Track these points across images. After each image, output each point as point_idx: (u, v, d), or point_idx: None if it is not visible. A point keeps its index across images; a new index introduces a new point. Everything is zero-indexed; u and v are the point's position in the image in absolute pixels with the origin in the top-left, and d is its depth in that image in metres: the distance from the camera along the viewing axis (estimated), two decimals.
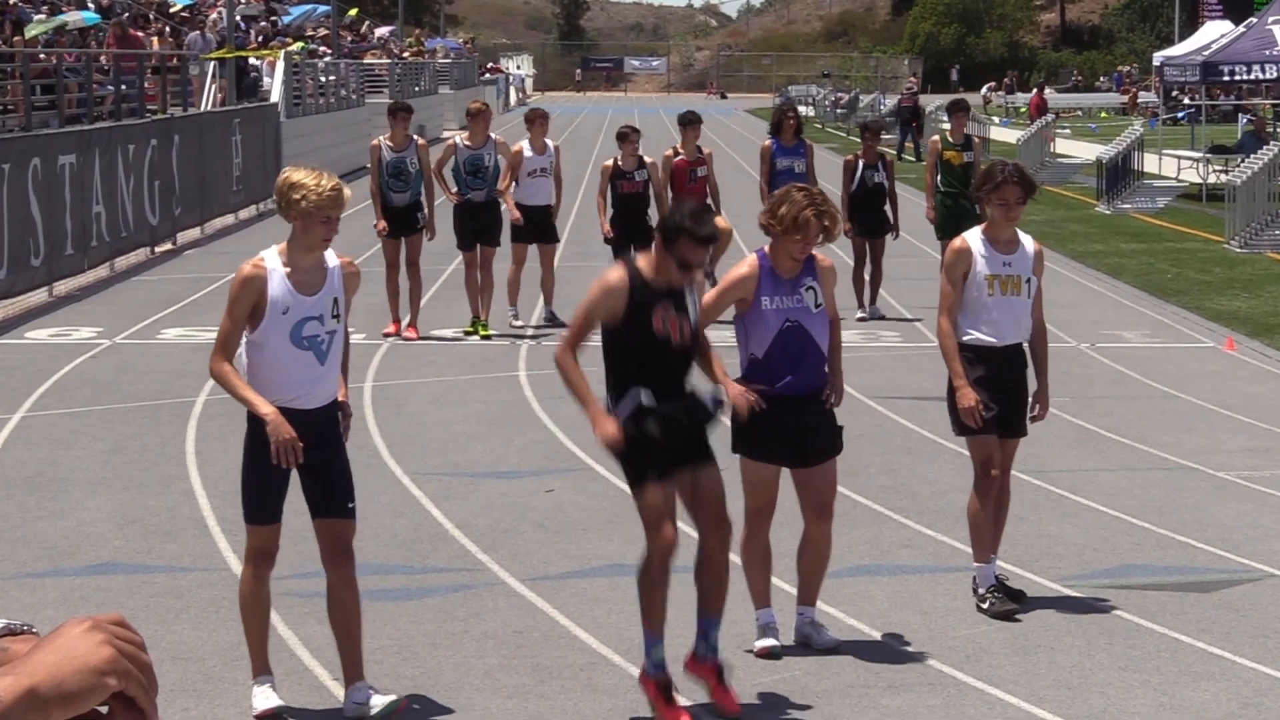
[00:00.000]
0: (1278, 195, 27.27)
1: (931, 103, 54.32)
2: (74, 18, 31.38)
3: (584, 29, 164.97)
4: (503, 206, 18.74)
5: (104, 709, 2.04)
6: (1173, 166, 39.26)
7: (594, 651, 8.80)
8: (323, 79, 41.97)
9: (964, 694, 8.25)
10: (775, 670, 8.58)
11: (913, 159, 46.70)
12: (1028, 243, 9.65)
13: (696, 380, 8.12)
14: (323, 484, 7.92)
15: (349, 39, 57.92)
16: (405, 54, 64.26)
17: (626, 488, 8.13)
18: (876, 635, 9.10)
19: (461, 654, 8.74)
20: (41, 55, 26.57)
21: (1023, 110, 70.24)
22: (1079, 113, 77.10)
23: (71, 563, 10.31)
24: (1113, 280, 23.57)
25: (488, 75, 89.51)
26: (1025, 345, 9.67)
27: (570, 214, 28.66)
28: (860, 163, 19.75)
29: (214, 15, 40.94)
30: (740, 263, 8.88)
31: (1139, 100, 76.16)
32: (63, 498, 11.84)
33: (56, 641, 2.01)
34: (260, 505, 7.90)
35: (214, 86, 34.89)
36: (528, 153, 18.79)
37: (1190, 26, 61.71)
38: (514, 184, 18.78)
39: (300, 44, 44.54)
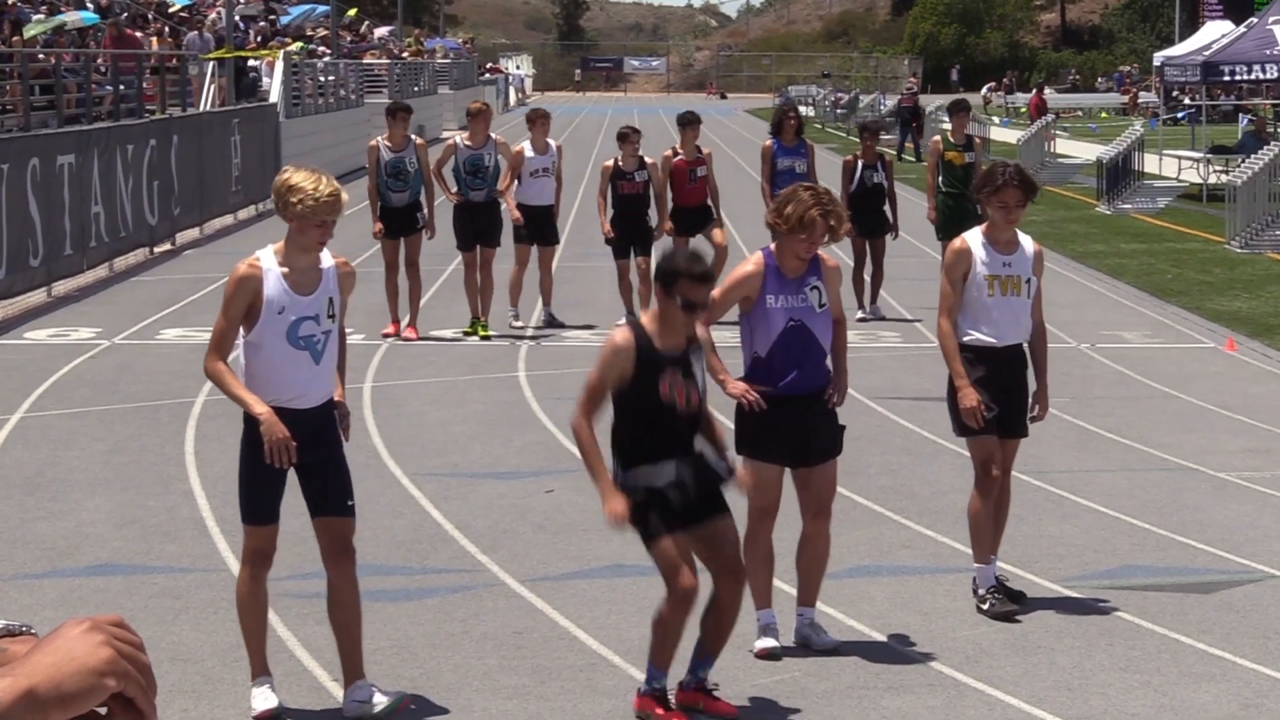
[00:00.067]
0: (1278, 195, 27.27)
1: (931, 103, 54.33)
2: (73, 18, 31.37)
3: (583, 29, 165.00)
4: (503, 206, 18.73)
5: (103, 710, 2.03)
6: (1173, 167, 39.26)
7: (593, 652, 8.79)
8: (322, 79, 41.97)
9: (964, 695, 8.24)
10: (775, 671, 8.57)
11: (913, 159, 46.70)
12: (1027, 243, 9.65)
13: (704, 445, 8.00)
14: (321, 483, 7.91)
15: (348, 39, 57.93)
16: (404, 54, 64.26)
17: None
18: (876, 636, 9.09)
19: (461, 655, 8.73)
20: (40, 55, 26.56)
21: (1023, 110, 70.24)
22: (1079, 113, 77.13)
23: (70, 563, 10.30)
24: (1113, 280, 23.57)
25: (487, 75, 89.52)
26: (1025, 346, 9.67)
27: (570, 214, 28.65)
28: (859, 163, 19.75)
29: (213, 15, 40.93)
30: (746, 260, 8.90)
31: (1139, 100, 76.17)
32: (62, 498, 11.83)
33: (55, 642, 2.01)
34: (257, 506, 7.89)
35: (213, 87, 34.88)
36: (529, 153, 18.79)
37: (1190, 26, 61.74)
38: (515, 184, 18.78)
39: (299, 44, 44.53)
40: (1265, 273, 24.33)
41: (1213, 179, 34.65)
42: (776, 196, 9.18)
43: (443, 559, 10.42)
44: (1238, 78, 35.46)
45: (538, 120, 19.12)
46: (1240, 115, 46.50)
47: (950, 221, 18.94)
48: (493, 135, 18.62)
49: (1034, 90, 68.90)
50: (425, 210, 18.33)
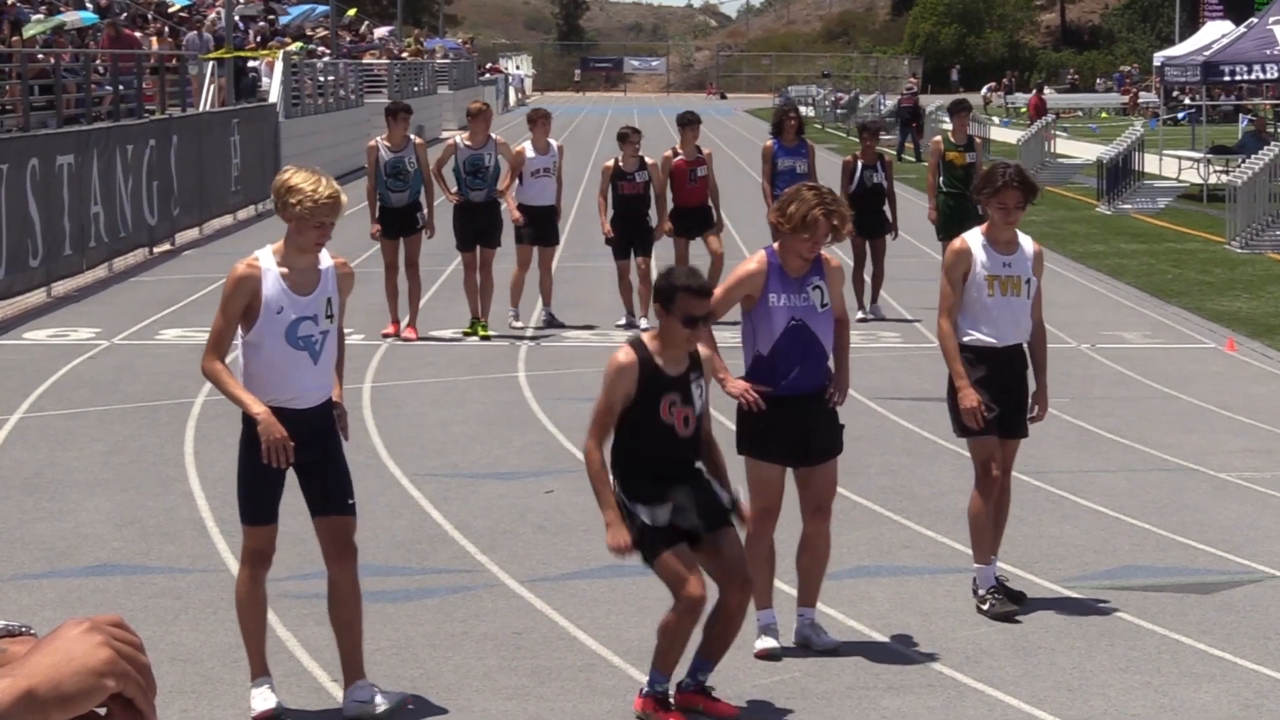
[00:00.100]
0: (1278, 196, 27.27)
1: (931, 103, 54.33)
2: (72, 18, 31.38)
3: (583, 29, 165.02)
4: (503, 207, 18.73)
5: (103, 710, 2.03)
6: (1173, 167, 39.26)
7: (593, 653, 8.78)
8: (321, 79, 41.96)
9: (964, 695, 8.23)
10: (775, 671, 8.57)
11: (912, 159, 46.70)
12: (1027, 243, 9.65)
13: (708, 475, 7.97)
14: (320, 483, 7.90)
15: (348, 39, 57.93)
16: (404, 54, 64.27)
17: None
18: (877, 637, 9.08)
19: (460, 655, 8.73)
20: (40, 55, 26.56)
21: (1023, 111, 70.25)
22: (1079, 113, 77.14)
23: (70, 564, 10.30)
24: (1113, 281, 23.57)
25: (487, 75, 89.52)
26: (1025, 346, 9.67)
27: (570, 215, 28.65)
28: (859, 163, 19.75)
29: (212, 15, 40.92)
30: (749, 259, 8.90)
31: (1139, 100, 76.19)
32: (61, 499, 11.82)
33: (55, 643, 2.00)
34: (256, 506, 7.88)
35: (212, 87, 34.87)
36: (530, 153, 18.79)
37: (1191, 26, 61.77)
38: (517, 184, 18.78)
39: (299, 44, 44.52)
40: (1265, 273, 24.33)
41: (1213, 179, 34.64)
42: (780, 196, 9.18)
43: (442, 559, 10.42)
44: (1238, 78, 35.46)
45: (539, 120, 19.12)
46: (1240, 115, 46.50)
47: (951, 222, 18.94)
48: (493, 135, 18.61)
49: (1034, 90, 68.89)
50: (425, 210, 18.33)
